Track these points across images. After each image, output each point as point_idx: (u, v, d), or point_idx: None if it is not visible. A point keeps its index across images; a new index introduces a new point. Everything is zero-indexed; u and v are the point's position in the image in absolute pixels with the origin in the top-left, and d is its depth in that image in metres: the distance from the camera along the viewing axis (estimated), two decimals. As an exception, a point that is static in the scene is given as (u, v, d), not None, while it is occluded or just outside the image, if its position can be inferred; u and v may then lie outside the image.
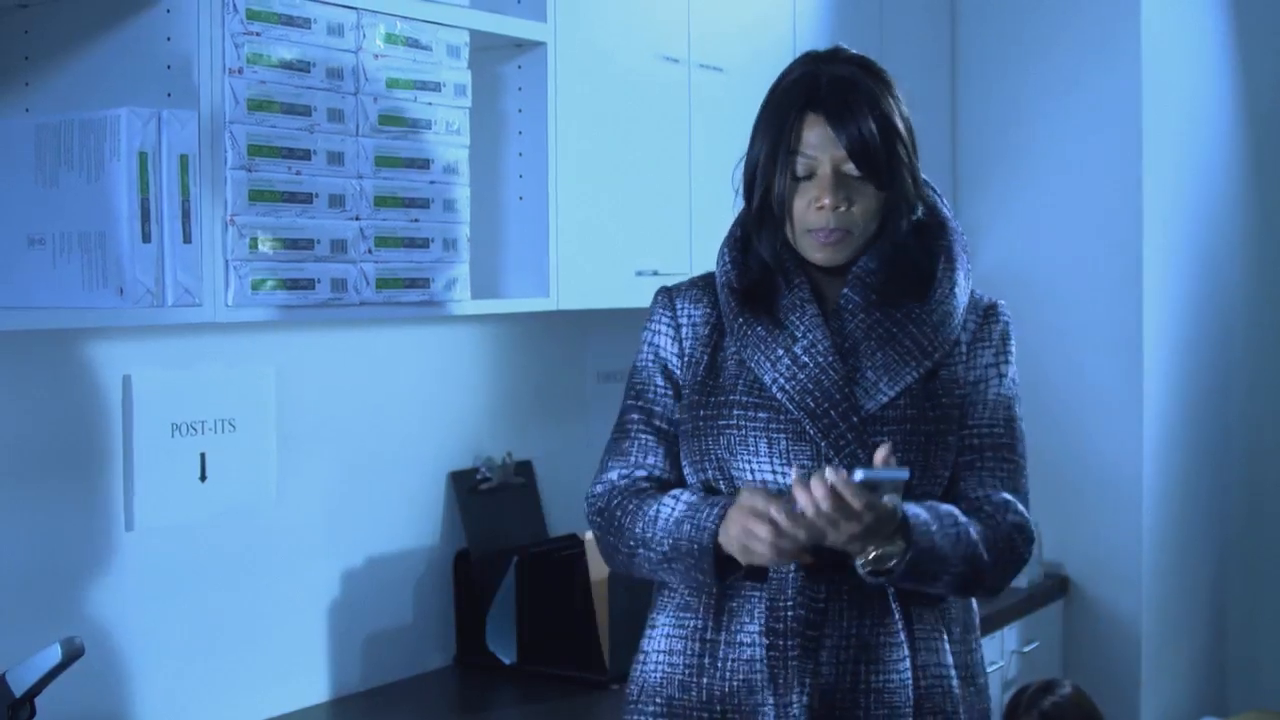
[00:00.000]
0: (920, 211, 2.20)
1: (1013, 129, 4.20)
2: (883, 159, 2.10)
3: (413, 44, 2.48)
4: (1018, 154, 4.20)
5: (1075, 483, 4.09)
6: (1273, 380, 4.93)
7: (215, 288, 2.20)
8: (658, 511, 2.11)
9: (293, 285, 2.29)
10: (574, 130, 2.82)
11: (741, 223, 2.23)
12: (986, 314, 2.22)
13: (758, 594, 2.10)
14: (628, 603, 2.83)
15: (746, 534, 1.96)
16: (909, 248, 2.18)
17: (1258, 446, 4.85)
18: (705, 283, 2.25)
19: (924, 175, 2.21)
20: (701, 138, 3.11)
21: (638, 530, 2.13)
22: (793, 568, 2.06)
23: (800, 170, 2.10)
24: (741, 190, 2.20)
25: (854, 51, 2.18)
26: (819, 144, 2.09)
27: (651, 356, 2.23)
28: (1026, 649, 3.83)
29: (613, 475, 2.21)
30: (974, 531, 2.07)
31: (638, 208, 3.00)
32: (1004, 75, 4.21)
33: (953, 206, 4.15)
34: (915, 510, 2.02)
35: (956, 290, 2.18)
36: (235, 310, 2.23)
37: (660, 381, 2.22)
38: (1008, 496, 2.15)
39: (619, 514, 2.16)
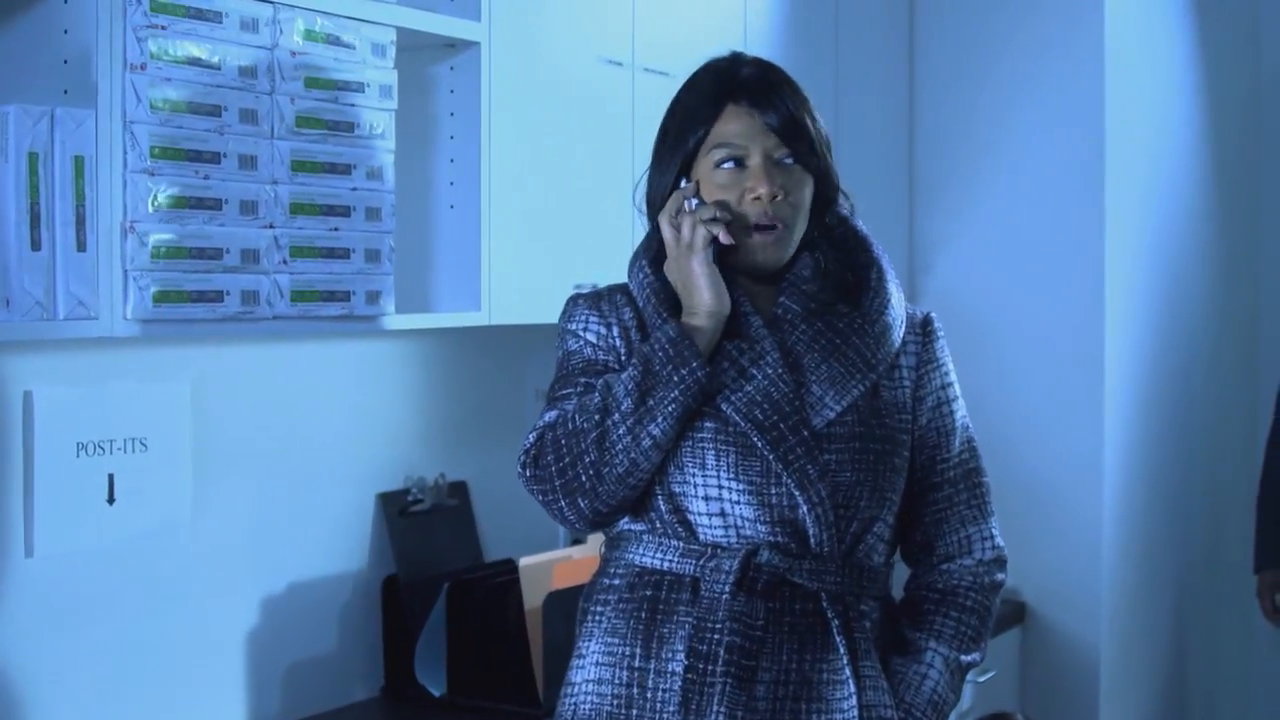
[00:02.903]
0: (837, 218, 2.15)
1: (971, 140, 4.13)
2: (814, 140, 2.05)
3: (334, 41, 2.37)
4: (976, 166, 4.13)
5: (1033, 506, 4.01)
6: (1236, 403, 4.90)
7: (113, 300, 2.08)
8: (606, 382, 2.00)
9: (199, 297, 2.18)
10: (509, 135, 2.72)
11: (651, 237, 2.14)
12: (925, 330, 2.17)
13: (689, 619, 2.00)
14: (563, 632, 2.69)
15: (675, 240, 2.01)
16: (837, 255, 2.13)
17: (1220, 470, 4.80)
18: (622, 291, 2.15)
19: (845, 188, 2.18)
20: (645, 145, 2.89)
21: (593, 407, 1.98)
22: (726, 589, 1.96)
23: (727, 165, 2.04)
24: (645, 209, 2.14)
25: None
26: (746, 132, 2.03)
27: (592, 340, 2.11)
28: (982, 679, 3.72)
29: (549, 417, 2.06)
30: (964, 658, 2.12)
31: (577, 218, 2.91)
32: (962, 85, 4.15)
33: (909, 219, 4.21)
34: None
35: (892, 302, 2.12)
36: (134, 324, 2.12)
37: (605, 359, 2.09)
38: (985, 546, 2.16)
39: (565, 428, 2.01)
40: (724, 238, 2.02)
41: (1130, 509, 4.18)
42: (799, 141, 2.04)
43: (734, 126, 2.04)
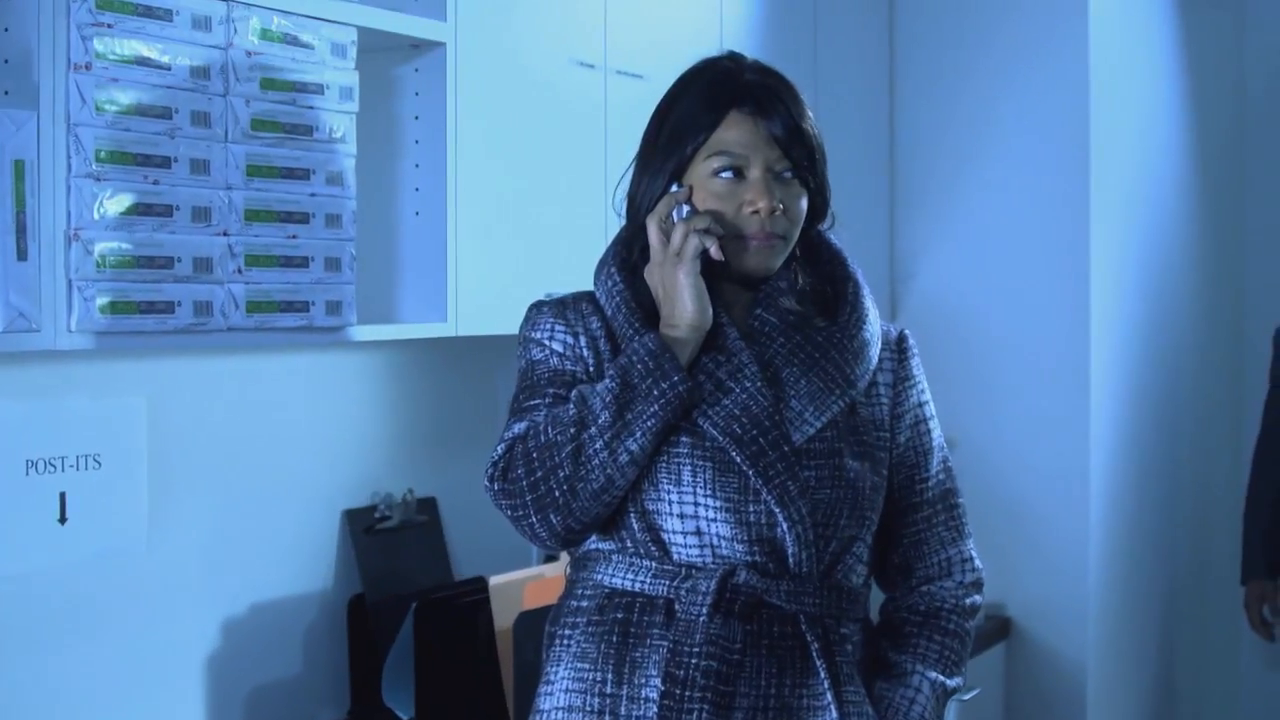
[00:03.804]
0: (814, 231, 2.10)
1: (953, 146, 4.10)
2: (815, 155, 2.00)
3: (292, 41, 2.30)
4: (958, 172, 4.09)
5: (1018, 520, 3.97)
6: (1222, 413, 4.90)
7: (56, 311, 2.01)
8: (580, 394, 1.92)
9: (148, 308, 2.10)
10: (477, 139, 2.67)
11: (624, 242, 2.08)
12: (900, 347, 2.13)
13: (664, 642, 1.93)
14: (534, 653, 2.63)
15: (663, 246, 1.95)
16: (813, 268, 2.09)
17: (1207, 482, 4.79)
18: (588, 299, 2.08)
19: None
20: (619, 149, 2.93)
21: (567, 420, 1.91)
22: (703, 611, 1.90)
23: (726, 174, 1.97)
24: (624, 211, 2.08)
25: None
26: (748, 142, 1.97)
27: (558, 349, 2.03)
28: (967, 697, 3.67)
29: (518, 429, 1.98)
30: (949, 683, 2.07)
31: (548, 225, 2.85)
32: (944, 89, 4.11)
33: (889, 227, 4.17)
34: None
35: (869, 317, 2.07)
36: (79, 337, 2.04)
37: (573, 369, 2.02)
38: (965, 568, 2.12)
39: (537, 440, 1.93)
40: (715, 252, 1.96)
41: (1116, 521, 4.14)
42: (801, 153, 1.98)
43: (735, 134, 1.97)
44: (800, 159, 1.98)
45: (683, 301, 1.95)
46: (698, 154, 1.99)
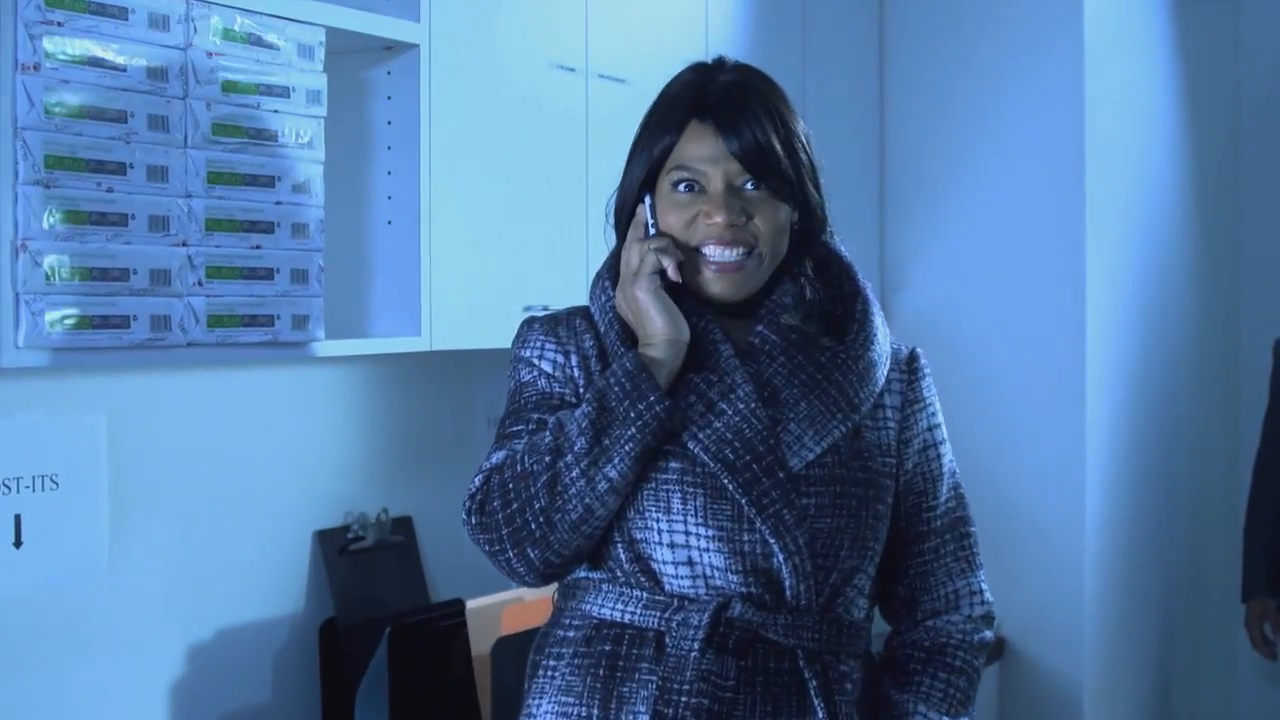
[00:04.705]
0: (830, 237, 2.02)
1: (944, 151, 4.06)
2: (785, 167, 1.89)
3: (256, 42, 2.24)
4: (951, 178, 4.06)
5: (1012, 536, 3.94)
6: (1219, 428, 4.87)
7: (2, 326, 1.95)
8: (559, 420, 1.85)
9: (102, 323, 2.03)
10: (452, 146, 2.62)
11: (617, 255, 2.00)
12: (910, 367, 2.04)
13: (653, 678, 1.85)
14: (513, 680, 2.61)
15: (625, 265, 1.89)
16: (821, 283, 1.99)
17: (1204, 498, 4.76)
18: (583, 314, 2.01)
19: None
20: (600, 156, 2.92)
21: (543, 448, 1.83)
22: (695, 646, 1.82)
23: (685, 188, 1.90)
24: (613, 222, 2.00)
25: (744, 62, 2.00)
26: (707, 156, 1.89)
27: (547, 369, 1.96)
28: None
29: (496, 459, 1.90)
30: None
31: (526, 234, 2.81)
32: (936, 92, 4.07)
33: (879, 234, 4.11)
34: None
35: (878, 336, 1.98)
36: (28, 353, 1.98)
37: (562, 391, 1.94)
38: (974, 601, 2.04)
39: (513, 470, 1.85)
40: (672, 272, 1.88)
41: (1112, 536, 4.11)
42: (765, 167, 1.88)
43: (694, 148, 1.90)
44: (764, 173, 1.89)
45: (651, 319, 1.87)
46: (663, 166, 1.92)
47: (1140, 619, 4.34)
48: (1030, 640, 3.97)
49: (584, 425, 1.82)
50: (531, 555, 1.85)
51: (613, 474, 1.81)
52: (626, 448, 1.81)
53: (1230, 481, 4.77)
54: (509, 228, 2.77)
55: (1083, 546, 3.92)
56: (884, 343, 1.99)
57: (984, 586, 2.05)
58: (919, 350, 2.06)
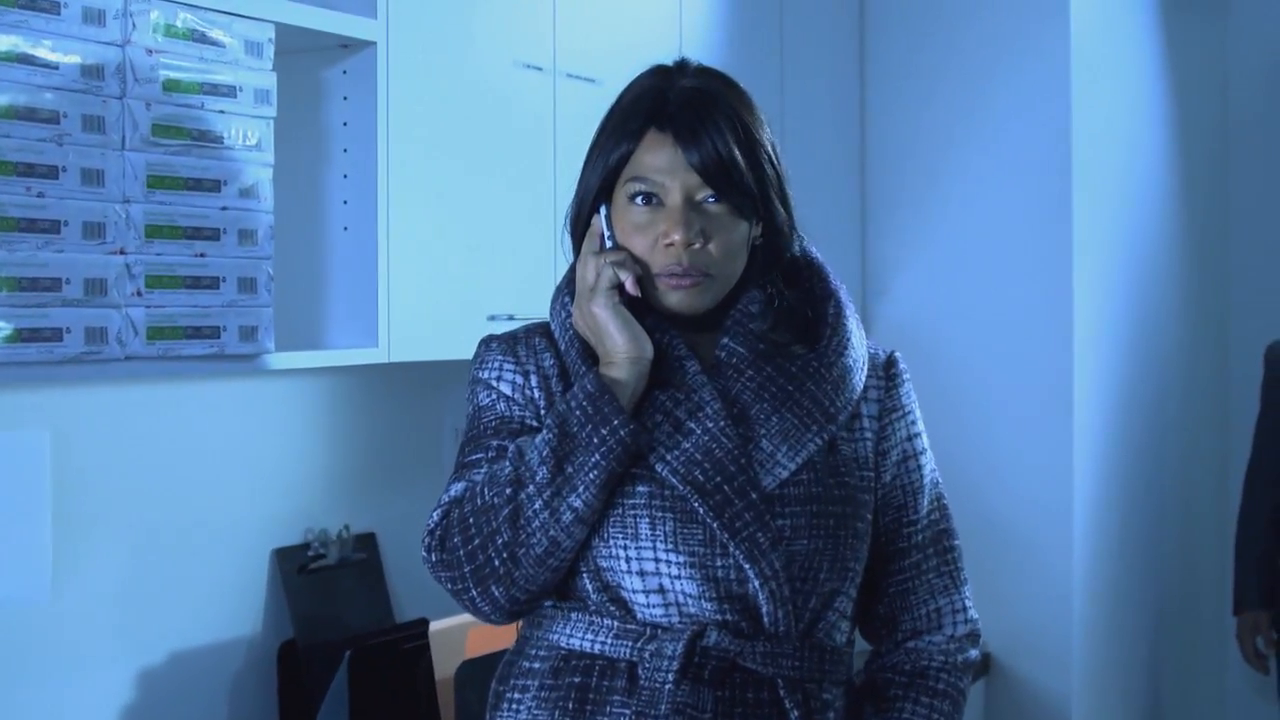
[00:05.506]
0: (797, 247, 1.92)
1: (927, 155, 4.00)
2: (747, 181, 1.80)
3: (199, 38, 2.13)
4: (933, 182, 4.00)
5: (999, 551, 3.87)
6: (1209, 437, 4.83)
7: None
8: (518, 448, 1.77)
9: (31, 336, 1.92)
10: (412, 147, 2.54)
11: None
12: (888, 373, 1.96)
13: (626, 711, 1.77)
14: (477, 704, 2.54)
15: (581, 280, 1.82)
16: (791, 288, 1.91)
17: (1194, 508, 4.72)
18: (543, 331, 1.93)
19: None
20: (569, 159, 2.81)
21: (503, 479, 1.75)
22: (669, 677, 1.74)
23: (642, 200, 1.81)
24: (570, 231, 1.93)
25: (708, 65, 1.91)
26: (665, 167, 1.80)
27: (506, 392, 1.88)
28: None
29: (454, 490, 1.83)
30: None
31: (490, 241, 2.72)
32: (918, 95, 4.01)
33: (860, 240, 4.04)
34: None
35: (852, 340, 1.90)
36: None
37: (522, 415, 1.86)
38: (957, 619, 1.95)
39: (473, 504, 1.78)
40: (630, 286, 1.80)
41: (1101, 549, 4.05)
42: (727, 187, 1.80)
43: (651, 159, 1.81)
44: (725, 188, 1.80)
45: (610, 336, 1.79)
46: (619, 175, 1.84)
47: (1130, 633, 4.29)
48: (1017, 657, 3.90)
49: (545, 454, 1.73)
50: (496, 593, 1.78)
51: (577, 504, 1.73)
52: (591, 475, 1.73)
53: (1220, 492, 4.73)
54: (472, 234, 2.69)
55: (1070, 560, 3.86)
56: (860, 347, 1.91)
57: (968, 603, 1.97)
58: (898, 354, 1.97)
